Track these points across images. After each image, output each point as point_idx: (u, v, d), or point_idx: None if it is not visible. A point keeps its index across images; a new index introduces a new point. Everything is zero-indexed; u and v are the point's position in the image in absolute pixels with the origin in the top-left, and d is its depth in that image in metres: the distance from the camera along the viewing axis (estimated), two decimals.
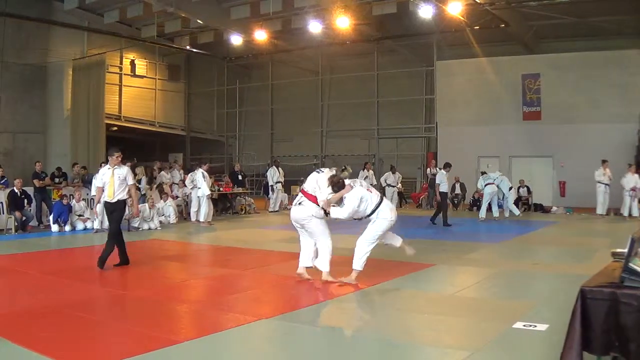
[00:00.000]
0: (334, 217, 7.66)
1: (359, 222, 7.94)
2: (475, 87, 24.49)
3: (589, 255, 9.91)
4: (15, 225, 14.25)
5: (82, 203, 15.27)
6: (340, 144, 29.39)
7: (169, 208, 16.56)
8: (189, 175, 17.28)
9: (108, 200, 9.24)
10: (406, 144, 27.85)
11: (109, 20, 22.52)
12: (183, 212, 17.79)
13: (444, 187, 16.14)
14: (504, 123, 23.72)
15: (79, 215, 14.92)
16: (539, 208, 20.83)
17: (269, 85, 31.56)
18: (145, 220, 15.02)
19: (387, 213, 7.69)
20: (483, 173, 18.61)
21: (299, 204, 7.88)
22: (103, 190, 9.30)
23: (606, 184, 18.18)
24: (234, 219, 18.45)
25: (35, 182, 15.61)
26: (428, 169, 23.38)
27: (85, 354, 5.00)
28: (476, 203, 19.96)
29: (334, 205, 7.63)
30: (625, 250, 3.81)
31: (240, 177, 20.96)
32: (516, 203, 19.13)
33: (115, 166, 9.30)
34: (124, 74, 28.16)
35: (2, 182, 15.46)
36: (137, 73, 28.80)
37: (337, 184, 7.61)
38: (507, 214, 17.92)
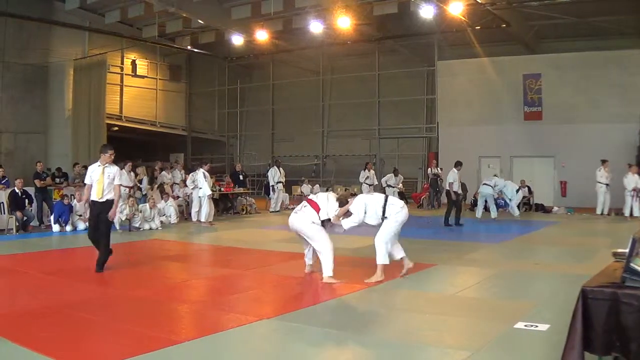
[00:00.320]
0: (347, 228, 8.01)
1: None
2: (476, 87, 24.47)
3: (590, 256, 9.90)
4: (17, 225, 14.25)
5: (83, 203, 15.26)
6: (341, 144, 29.39)
7: (170, 208, 16.55)
8: (190, 175, 17.26)
9: (96, 200, 8.77)
10: (407, 144, 27.84)
11: (110, 21, 22.54)
12: (184, 212, 17.79)
13: (456, 186, 16.02)
14: (505, 123, 23.71)
15: (80, 215, 14.91)
16: (540, 208, 20.81)
17: (270, 85, 31.56)
18: (146, 221, 15.02)
19: (398, 208, 8.05)
20: (495, 175, 18.54)
21: (299, 210, 8.18)
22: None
23: (606, 184, 18.15)
24: (235, 219, 18.44)
25: (36, 182, 15.61)
26: (429, 169, 23.36)
27: (86, 354, 5.00)
28: (477, 203, 19.92)
29: (344, 218, 7.98)
30: (627, 250, 3.80)
31: (241, 177, 20.95)
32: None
33: (106, 164, 8.91)
34: (125, 74, 28.19)
35: (3, 182, 15.47)
36: (138, 73, 28.83)
37: (342, 202, 8.06)
38: (514, 213, 17.73)
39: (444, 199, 22.74)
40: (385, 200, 8.06)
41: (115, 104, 27.25)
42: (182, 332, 5.72)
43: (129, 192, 15.70)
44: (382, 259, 7.98)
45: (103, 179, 8.78)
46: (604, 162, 18.30)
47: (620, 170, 18.15)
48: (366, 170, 21.62)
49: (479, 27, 22.13)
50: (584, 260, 9.50)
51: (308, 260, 8.55)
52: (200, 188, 16.20)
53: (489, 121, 23.94)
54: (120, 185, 9.43)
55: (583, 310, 3.69)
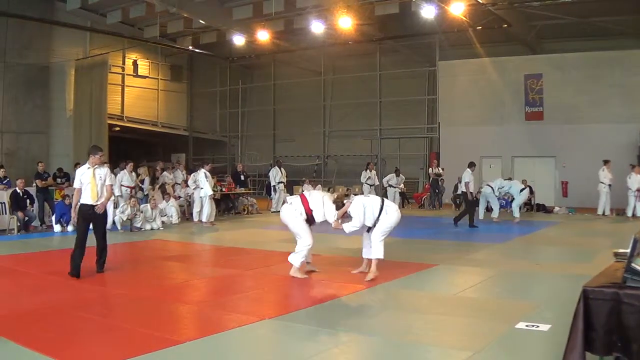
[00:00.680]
0: (349, 232, 8.20)
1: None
2: (477, 88, 24.47)
3: (591, 256, 9.89)
4: (18, 226, 14.26)
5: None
6: (343, 144, 29.40)
7: (171, 208, 16.57)
8: (192, 175, 17.28)
9: (91, 203, 8.46)
10: (408, 144, 27.83)
11: (112, 21, 22.56)
12: (185, 213, 17.81)
13: (472, 186, 15.92)
14: (507, 123, 23.71)
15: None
16: (542, 208, 20.80)
17: (272, 85, 31.61)
18: (148, 221, 15.04)
19: (393, 210, 8.31)
20: (508, 179, 18.33)
21: (290, 203, 8.45)
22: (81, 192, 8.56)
23: (609, 184, 18.12)
24: (237, 219, 18.45)
25: (38, 182, 15.63)
26: (430, 169, 23.36)
27: (87, 354, 5.01)
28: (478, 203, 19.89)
29: (344, 221, 8.17)
30: (628, 250, 3.80)
31: (242, 178, 20.95)
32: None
33: (96, 166, 8.63)
34: (127, 74, 28.20)
35: (4, 182, 15.49)
36: (139, 73, 28.85)
37: (338, 205, 8.26)
38: (514, 215, 17.22)
39: (444, 198, 22.88)
40: (382, 203, 8.25)
41: (116, 104, 27.26)
42: (183, 332, 5.72)
43: (131, 192, 15.73)
44: (378, 253, 8.11)
45: (95, 181, 8.52)
46: (606, 162, 18.27)
47: (622, 171, 18.15)
48: (367, 171, 21.63)
49: (480, 28, 22.12)
50: (585, 261, 9.49)
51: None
52: (202, 188, 16.21)
53: (490, 121, 23.94)
54: (112, 185, 9.23)
55: (584, 311, 3.69)
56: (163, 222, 15.65)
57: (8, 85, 21.29)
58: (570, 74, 22.47)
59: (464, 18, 20.52)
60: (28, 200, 14.89)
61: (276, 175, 20.92)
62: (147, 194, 17.01)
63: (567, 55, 22.76)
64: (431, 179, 22.73)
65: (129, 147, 27.74)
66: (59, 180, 16.97)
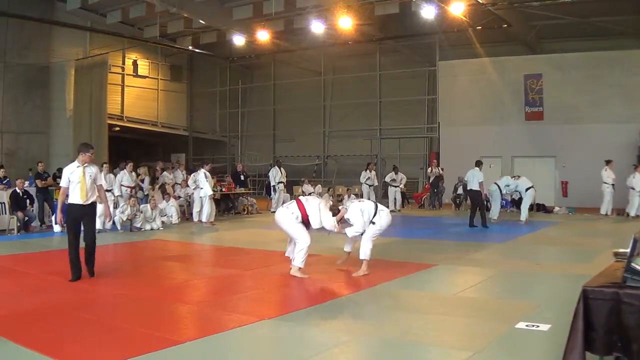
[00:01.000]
0: (351, 236, 8.63)
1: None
2: (477, 88, 24.47)
3: (591, 256, 9.88)
4: (18, 226, 14.25)
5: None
6: (343, 144, 29.40)
7: (171, 208, 16.57)
8: (192, 175, 17.27)
9: (80, 203, 8.08)
10: (408, 144, 27.83)
11: (112, 21, 22.58)
12: (185, 213, 17.80)
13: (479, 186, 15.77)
14: (506, 123, 23.71)
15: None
16: (542, 208, 20.76)
17: (272, 85, 31.62)
18: (148, 221, 15.03)
19: (385, 213, 8.65)
20: (514, 177, 17.90)
21: (286, 207, 8.58)
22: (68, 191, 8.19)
23: (612, 184, 18.06)
24: (236, 220, 18.45)
25: (38, 182, 15.62)
26: (430, 169, 23.36)
27: (87, 354, 5.00)
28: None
29: (344, 226, 8.57)
30: (628, 250, 3.80)
31: (242, 178, 20.94)
32: (517, 203, 19.10)
33: (86, 164, 8.22)
34: (127, 74, 28.22)
35: (4, 182, 15.48)
36: (139, 73, 28.86)
37: (333, 212, 8.54)
38: (521, 217, 16.88)
39: (444, 198, 22.88)
40: (376, 207, 8.62)
41: (116, 104, 27.27)
42: (183, 333, 5.72)
43: (131, 192, 15.72)
44: (365, 254, 8.44)
45: (85, 180, 8.12)
46: (608, 162, 18.22)
47: (622, 171, 18.14)
48: (367, 171, 21.62)
49: (480, 28, 22.13)
50: (585, 261, 9.49)
51: (289, 254, 8.76)
52: (202, 188, 16.20)
53: (490, 121, 23.94)
54: (102, 185, 8.81)
55: (584, 311, 3.69)
56: (163, 222, 15.64)
57: (8, 86, 21.32)
58: (570, 74, 22.47)
59: (464, 18, 20.53)
60: (28, 201, 14.88)
61: (276, 175, 20.91)
62: (147, 194, 17.01)
63: (567, 55, 22.76)
64: (430, 179, 22.68)
65: (128, 147, 27.75)
66: (58, 180, 16.94)
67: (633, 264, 3.67)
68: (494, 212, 17.13)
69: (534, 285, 8.10)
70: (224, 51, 28.75)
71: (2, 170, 15.87)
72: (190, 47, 26.91)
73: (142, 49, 28.42)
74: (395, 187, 21.66)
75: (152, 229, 14.92)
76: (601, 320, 3.66)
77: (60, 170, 17.54)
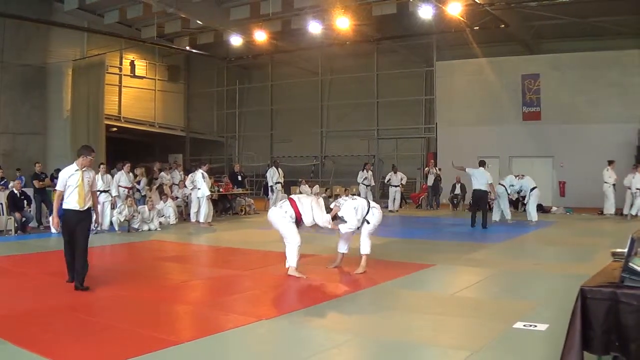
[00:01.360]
0: (345, 232, 8.74)
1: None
2: (475, 88, 24.50)
3: (589, 255, 9.90)
4: (15, 227, 14.23)
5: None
6: (340, 144, 29.40)
7: (168, 209, 16.54)
8: (189, 176, 17.26)
9: (78, 209, 7.64)
10: (406, 144, 27.86)
11: (109, 21, 22.56)
12: (183, 213, 17.78)
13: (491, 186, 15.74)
14: (504, 123, 23.73)
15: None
16: (539, 208, 20.66)
17: (269, 85, 31.62)
18: (145, 222, 15.01)
19: (377, 209, 8.89)
20: (518, 176, 17.67)
21: (279, 206, 8.57)
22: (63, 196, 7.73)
23: (612, 184, 18.05)
24: (234, 220, 18.44)
25: (35, 183, 15.60)
26: (427, 169, 23.36)
27: (86, 355, 5.00)
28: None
29: (338, 222, 8.63)
30: (625, 250, 3.81)
31: (239, 178, 20.93)
32: (514, 204, 19.12)
33: (84, 168, 7.80)
34: (124, 75, 28.21)
35: (1, 183, 15.46)
36: (136, 74, 28.85)
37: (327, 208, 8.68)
38: (530, 218, 16.69)
39: (441, 198, 22.89)
40: (369, 204, 8.82)
41: (113, 105, 27.26)
42: (181, 333, 5.72)
43: (128, 192, 15.70)
44: (366, 249, 8.69)
45: (83, 185, 7.68)
46: (610, 162, 18.20)
47: (620, 171, 18.15)
48: (364, 171, 21.62)
49: (477, 28, 22.13)
50: (583, 260, 9.50)
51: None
52: (199, 189, 16.20)
53: (488, 121, 23.96)
54: (96, 191, 8.40)
55: (582, 310, 3.70)
56: (160, 223, 15.61)
57: (5, 86, 21.26)
58: (568, 74, 22.49)
59: (462, 18, 20.53)
60: (25, 201, 14.87)
61: (273, 176, 20.89)
62: (145, 195, 16.99)
63: (565, 55, 22.78)
64: (431, 179, 22.66)
65: (126, 148, 27.71)
66: (55, 180, 16.90)
67: (631, 264, 3.68)
68: (506, 212, 16.80)
69: (531, 285, 8.11)
70: (221, 51, 28.75)
71: (0, 171, 15.85)
72: (187, 48, 26.88)
73: (139, 50, 28.41)
74: (395, 187, 21.67)
75: (149, 230, 14.89)
76: (599, 320, 3.67)
77: (58, 171, 17.48)
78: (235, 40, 24.10)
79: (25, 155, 21.07)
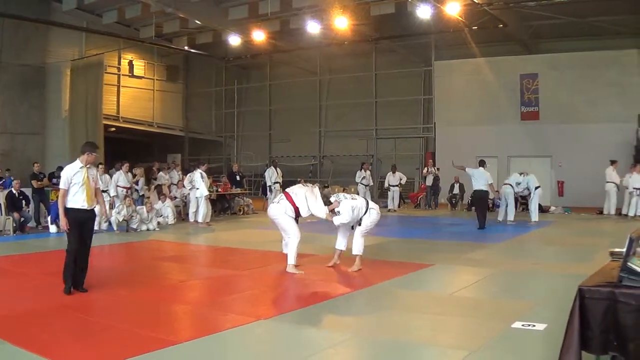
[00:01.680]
0: (337, 224, 8.87)
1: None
2: (473, 87, 24.49)
3: (588, 255, 9.91)
4: (14, 227, 14.22)
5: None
6: (339, 144, 29.38)
7: (167, 209, 16.52)
8: (188, 175, 17.25)
9: (85, 208, 7.40)
10: (404, 144, 27.84)
11: (108, 21, 22.54)
12: (181, 213, 17.78)
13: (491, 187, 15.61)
14: (502, 123, 23.73)
15: None
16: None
17: (267, 85, 31.59)
18: (144, 222, 15.00)
19: (374, 210, 8.98)
20: (522, 173, 17.46)
21: (277, 202, 8.81)
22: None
23: (615, 184, 18.04)
24: (233, 220, 18.43)
25: (34, 182, 15.59)
26: (425, 169, 23.37)
27: (85, 354, 5.00)
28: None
29: (334, 215, 8.77)
30: (624, 249, 3.81)
31: (238, 178, 20.92)
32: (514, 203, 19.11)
33: (89, 165, 7.55)
34: (122, 75, 28.14)
35: (0, 183, 15.45)
36: (135, 74, 28.78)
37: (325, 201, 8.86)
38: (533, 218, 16.72)
39: (440, 198, 22.89)
40: (367, 205, 8.94)
41: (112, 105, 27.19)
42: (180, 333, 5.73)
43: (126, 192, 15.69)
44: (358, 249, 8.86)
45: (89, 182, 7.45)
46: (613, 162, 18.18)
47: (618, 170, 18.15)
48: (362, 171, 21.62)
49: (476, 27, 22.13)
50: (582, 260, 9.50)
51: (285, 249, 9.05)
52: (198, 189, 16.19)
53: (486, 121, 23.96)
54: (99, 187, 8.11)
55: (580, 310, 3.70)
56: (159, 223, 15.60)
57: (4, 86, 21.25)
58: (566, 74, 22.49)
59: (460, 18, 20.53)
60: (24, 201, 14.86)
61: (272, 176, 20.90)
62: (143, 195, 16.98)
63: (563, 55, 22.78)
64: (430, 179, 22.65)
65: (124, 148, 27.68)
66: (54, 180, 16.90)
67: (629, 264, 3.69)
68: (510, 213, 16.65)
69: (530, 284, 8.11)
70: (219, 51, 28.73)
71: None
72: (186, 48, 26.86)
73: (138, 50, 28.36)
74: (394, 186, 21.69)
75: (148, 230, 14.88)
76: (597, 320, 3.67)
77: (60, 168, 17.43)
78: (234, 40, 24.10)
79: (24, 155, 21.06)
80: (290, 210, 8.57)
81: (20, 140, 21.67)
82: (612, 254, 4.46)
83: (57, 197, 13.98)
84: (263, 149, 31.41)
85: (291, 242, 8.62)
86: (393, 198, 21.64)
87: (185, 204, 17.57)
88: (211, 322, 6.12)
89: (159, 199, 16.79)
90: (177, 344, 5.20)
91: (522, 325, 5.64)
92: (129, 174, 16.31)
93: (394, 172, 22.01)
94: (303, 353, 5.09)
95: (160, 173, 19.16)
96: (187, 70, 32.08)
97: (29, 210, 15.13)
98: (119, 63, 27.92)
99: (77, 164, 7.50)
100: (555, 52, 23.22)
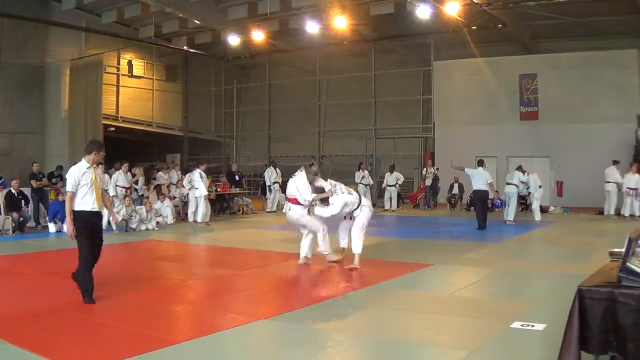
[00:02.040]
0: (319, 215, 9.06)
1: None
2: (472, 87, 24.49)
3: (587, 255, 9.91)
4: (13, 226, 14.22)
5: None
6: (338, 144, 29.35)
7: (166, 209, 16.54)
8: (187, 175, 17.26)
9: (96, 210, 7.09)
10: (404, 144, 27.82)
11: (107, 21, 22.52)
12: (180, 213, 17.77)
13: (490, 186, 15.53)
14: (502, 123, 23.74)
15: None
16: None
17: (267, 85, 31.54)
18: (143, 222, 15.00)
19: (366, 207, 9.18)
20: (525, 172, 17.39)
21: (289, 209, 9.15)
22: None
23: (617, 183, 18.02)
24: (232, 220, 18.43)
25: (33, 182, 15.58)
26: (425, 169, 23.37)
27: (84, 354, 5.00)
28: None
29: (319, 205, 9.06)
30: (623, 249, 3.81)
31: (237, 178, 20.93)
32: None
33: (94, 165, 7.18)
34: (122, 75, 28.12)
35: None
36: (134, 73, 28.75)
37: (312, 181, 9.12)
38: (536, 217, 16.90)
39: (439, 198, 22.90)
40: (360, 200, 9.16)
41: (111, 105, 27.16)
42: (178, 333, 5.73)
43: (126, 192, 15.69)
44: (358, 247, 8.98)
45: (97, 183, 7.09)
46: (615, 162, 18.16)
47: (620, 171, 18.14)
48: (361, 171, 21.64)
49: (475, 27, 22.13)
50: (581, 260, 9.51)
51: (303, 251, 9.39)
52: (197, 188, 16.19)
53: (485, 121, 23.96)
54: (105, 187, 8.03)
55: (579, 310, 3.70)
56: (158, 223, 15.61)
57: (3, 86, 21.22)
58: (565, 74, 22.50)
59: (459, 18, 20.53)
60: (23, 201, 14.85)
61: (271, 175, 20.91)
62: (142, 194, 16.98)
63: (562, 55, 22.80)
64: (429, 179, 22.65)
65: (123, 148, 27.65)
66: (54, 180, 16.90)
67: (628, 264, 3.69)
68: (510, 213, 16.57)
69: (529, 284, 8.12)
70: (219, 51, 28.71)
71: None
72: (185, 47, 26.84)
73: (137, 49, 28.33)
74: (391, 186, 21.70)
75: (147, 230, 14.89)
76: (596, 320, 3.67)
77: (60, 168, 17.41)
78: (233, 40, 24.09)
79: (23, 155, 21.05)
80: (299, 209, 8.97)
81: (20, 140, 21.65)
82: (611, 254, 4.46)
83: (56, 196, 14.09)
84: (262, 148, 31.39)
85: (318, 233, 9.00)
86: (390, 198, 21.65)
87: (185, 203, 17.57)
88: (210, 322, 6.12)
89: (158, 198, 16.80)
90: (177, 344, 5.20)
91: (522, 325, 5.64)
92: (129, 173, 16.31)
93: (391, 172, 22.02)
94: (303, 353, 5.09)
95: (160, 173, 19.17)
96: (186, 70, 32.05)
97: (28, 210, 15.13)
98: (118, 63, 27.90)
99: (84, 164, 7.12)
100: (554, 52, 23.23)
